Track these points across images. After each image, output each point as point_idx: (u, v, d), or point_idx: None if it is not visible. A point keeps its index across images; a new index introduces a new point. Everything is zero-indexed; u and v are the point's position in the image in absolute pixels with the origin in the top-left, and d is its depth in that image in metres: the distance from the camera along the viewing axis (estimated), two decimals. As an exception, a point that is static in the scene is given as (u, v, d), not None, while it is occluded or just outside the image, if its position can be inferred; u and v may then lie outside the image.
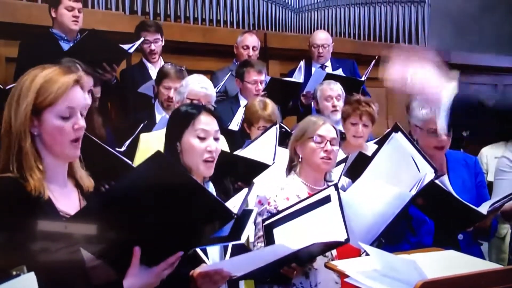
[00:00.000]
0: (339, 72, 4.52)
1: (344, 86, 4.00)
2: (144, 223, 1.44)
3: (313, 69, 4.56)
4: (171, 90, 3.31)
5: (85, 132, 2.33)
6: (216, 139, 2.06)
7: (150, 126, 3.20)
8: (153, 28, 3.98)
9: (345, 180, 2.70)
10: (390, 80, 1.69)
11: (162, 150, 2.11)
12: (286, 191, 2.38)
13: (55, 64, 1.64)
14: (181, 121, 2.08)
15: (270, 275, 2.14)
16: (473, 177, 2.70)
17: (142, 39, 3.85)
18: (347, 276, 1.70)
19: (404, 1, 6.53)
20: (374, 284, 1.61)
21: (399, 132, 2.31)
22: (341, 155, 2.94)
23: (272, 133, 3.03)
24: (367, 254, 2.07)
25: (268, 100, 3.33)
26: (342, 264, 1.85)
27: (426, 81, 1.64)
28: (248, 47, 4.43)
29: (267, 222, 2.19)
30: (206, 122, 2.04)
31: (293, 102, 4.38)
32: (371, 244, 2.09)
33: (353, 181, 2.43)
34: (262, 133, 3.08)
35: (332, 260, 2.24)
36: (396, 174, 2.24)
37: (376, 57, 4.67)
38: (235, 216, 1.58)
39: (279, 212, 2.23)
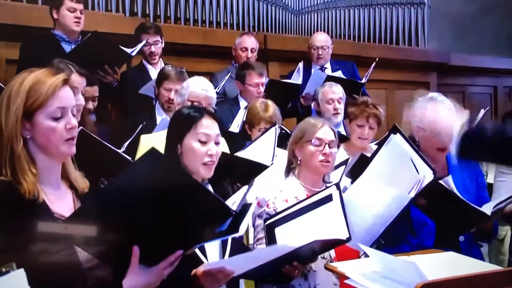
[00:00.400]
0: (339, 74, 4.52)
1: (344, 88, 4.00)
2: (142, 222, 1.43)
3: (313, 70, 4.56)
4: (172, 92, 3.32)
5: (84, 129, 2.34)
6: (217, 143, 2.07)
7: (150, 127, 3.20)
8: (153, 30, 3.98)
9: (347, 181, 2.70)
10: (411, 120, 1.91)
11: (162, 151, 2.12)
12: (285, 193, 2.38)
13: (48, 65, 1.65)
14: (183, 123, 2.08)
15: (272, 274, 2.14)
16: (474, 178, 2.70)
17: (144, 41, 3.85)
18: (347, 278, 1.71)
19: (404, 2, 6.54)
20: (374, 285, 1.61)
21: (398, 134, 2.31)
22: (343, 156, 2.94)
23: (271, 134, 3.03)
24: (366, 255, 2.07)
25: (269, 102, 3.33)
26: (342, 266, 1.86)
27: (441, 120, 1.86)
28: (246, 49, 4.43)
29: (268, 221, 2.19)
30: (208, 126, 2.05)
31: (292, 103, 4.38)
32: (371, 246, 2.10)
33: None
34: (261, 135, 3.09)
35: (330, 261, 2.24)
36: (395, 176, 2.24)
37: (377, 59, 4.69)
38: (234, 213, 1.58)
39: (280, 211, 2.23)
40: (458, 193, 2.40)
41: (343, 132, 3.76)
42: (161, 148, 2.13)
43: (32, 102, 1.50)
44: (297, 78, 4.36)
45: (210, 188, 2.16)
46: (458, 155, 1.78)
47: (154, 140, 2.75)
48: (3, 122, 1.50)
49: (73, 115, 1.56)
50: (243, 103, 3.90)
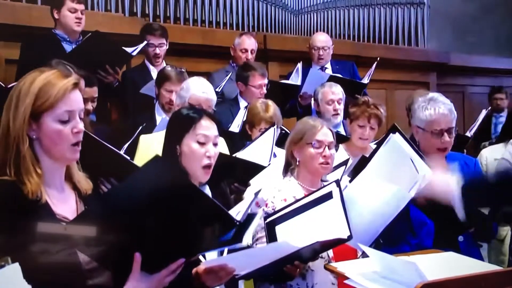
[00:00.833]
0: (339, 75, 4.52)
1: (346, 88, 4.00)
2: (144, 228, 1.43)
3: (310, 70, 4.53)
4: (173, 93, 3.31)
5: (85, 131, 2.33)
6: (215, 144, 2.07)
7: (150, 127, 3.20)
8: (159, 32, 3.97)
9: (346, 180, 2.70)
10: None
11: (161, 152, 2.12)
12: (283, 193, 2.38)
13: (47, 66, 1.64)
14: (182, 124, 2.08)
15: (273, 274, 2.14)
16: (473, 178, 2.71)
17: (145, 42, 3.84)
18: (347, 278, 1.71)
19: (403, 2, 6.54)
20: (374, 286, 1.61)
21: (397, 133, 2.31)
22: (343, 156, 2.94)
23: (270, 135, 3.03)
24: (364, 255, 2.07)
25: (270, 102, 3.33)
26: (342, 266, 1.85)
27: (435, 185, 1.80)
28: (246, 50, 4.41)
29: (269, 219, 2.19)
30: (207, 127, 2.05)
31: (290, 103, 4.37)
32: (370, 245, 2.10)
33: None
34: (260, 135, 3.09)
35: (328, 261, 2.24)
36: (394, 175, 2.24)
37: (378, 58, 4.69)
38: (238, 223, 1.57)
39: (280, 209, 2.23)
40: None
41: (343, 132, 3.77)
42: (160, 149, 2.14)
43: (40, 104, 1.49)
44: (295, 79, 4.35)
45: (207, 189, 2.16)
46: (463, 210, 1.75)
47: (154, 141, 2.75)
48: (11, 121, 1.50)
49: (80, 118, 1.56)
50: (243, 103, 3.90)
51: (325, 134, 2.41)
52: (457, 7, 7.39)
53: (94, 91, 3.09)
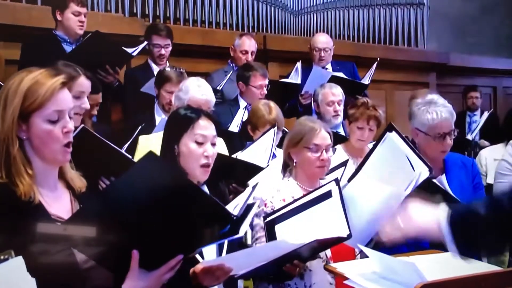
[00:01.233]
0: (341, 75, 4.51)
1: (347, 89, 4.00)
2: (140, 225, 1.42)
3: (313, 68, 4.53)
4: (173, 94, 3.31)
5: (86, 127, 2.34)
6: (213, 144, 2.07)
7: (150, 128, 3.20)
8: (165, 33, 3.99)
9: (343, 180, 2.70)
10: (387, 234, 1.67)
11: (159, 152, 2.12)
12: (282, 193, 2.39)
13: (53, 67, 1.63)
14: (180, 124, 2.08)
15: (272, 273, 2.15)
16: (470, 178, 2.71)
17: (145, 43, 3.86)
18: (346, 279, 1.71)
19: (403, 3, 6.54)
20: (373, 286, 1.61)
21: (393, 132, 2.31)
22: (342, 157, 2.94)
23: (269, 136, 3.03)
24: (363, 254, 2.07)
25: (272, 104, 3.33)
26: (341, 267, 1.85)
27: (419, 223, 1.58)
28: (247, 52, 4.41)
29: (268, 218, 2.19)
30: (205, 127, 2.05)
31: (291, 103, 4.37)
32: (367, 244, 2.10)
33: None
34: (259, 137, 3.09)
35: (326, 261, 2.25)
36: (391, 173, 2.24)
37: (378, 59, 4.69)
38: (235, 218, 1.57)
39: (279, 208, 2.23)
40: (451, 192, 2.40)
41: (343, 133, 3.77)
42: (159, 149, 2.14)
43: (29, 104, 1.48)
44: (295, 78, 4.35)
45: (206, 189, 2.16)
46: (459, 249, 1.52)
47: (153, 141, 2.75)
48: None
49: (70, 118, 1.54)
50: (243, 104, 3.90)
51: (323, 138, 2.41)
52: (456, 7, 7.39)
53: (99, 97, 3.10)
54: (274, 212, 2.23)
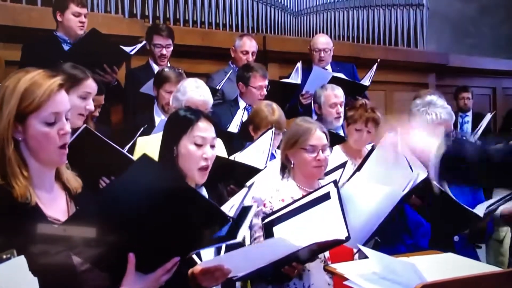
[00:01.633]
0: (342, 76, 4.52)
1: (347, 90, 4.00)
2: (136, 228, 1.41)
3: (313, 68, 4.53)
4: (171, 95, 3.31)
5: (88, 127, 2.34)
6: (212, 146, 2.07)
7: (149, 128, 3.20)
8: (166, 33, 4.00)
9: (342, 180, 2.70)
10: (385, 146, 1.78)
11: (157, 153, 2.11)
12: (281, 193, 2.39)
13: (59, 69, 1.61)
14: (179, 125, 2.08)
15: (270, 274, 2.15)
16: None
17: (144, 42, 3.86)
18: (346, 279, 1.71)
19: (402, 4, 6.55)
20: (373, 287, 1.61)
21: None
22: (341, 158, 2.94)
23: (267, 138, 3.03)
24: (361, 255, 2.08)
25: (274, 105, 3.33)
26: (341, 267, 1.86)
27: (416, 143, 1.71)
28: (247, 52, 4.42)
29: (266, 220, 2.20)
30: (204, 129, 2.05)
31: (292, 103, 4.38)
32: (365, 243, 2.11)
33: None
34: (258, 137, 3.08)
35: (325, 261, 2.26)
36: (390, 174, 2.25)
37: (378, 60, 4.69)
38: (231, 220, 1.56)
39: (278, 210, 2.23)
40: (450, 193, 2.41)
41: (342, 133, 3.77)
42: (157, 150, 2.13)
43: (26, 105, 1.46)
44: (295, 78, 4.35)
45: (204, 191, 2.16)
46: (438, 178, 1.67)
47: (151, 142, 2.75)
48: None
49: (67, 119, 1.53)
50: (242, 104, 3.91)
51: (318, 138, 2.41)
52: (456, 8, 7.40)
53: (102, 98, 3.11)
54: (272, 213, 2.23)
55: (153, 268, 1.48)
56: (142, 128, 3.06)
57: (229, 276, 1.79)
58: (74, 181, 1.64)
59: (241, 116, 3.74)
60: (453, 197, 2.39)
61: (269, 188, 2.43)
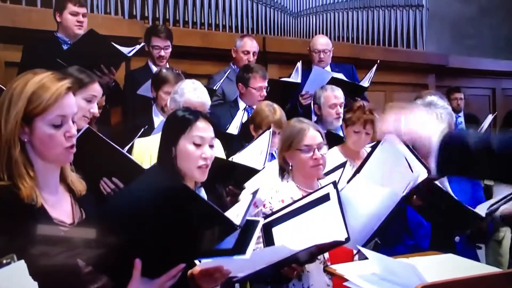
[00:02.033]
0: (341, 76, 4.52)
1: (347, 91, 4.00)
2: (143, 235, 1.42)
3: (313, 68, 4.53)
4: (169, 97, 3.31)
5: (90, 128, 2.34)
6: (211, 146, 2.07)
7: (149, 130, 3.20)
8: (164, 35, 4.00)
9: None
10: (384, 130, 1.70)
11: (156, 154, 2.11)
12: (280, 194, 2.40)
13: (66, 72, 1.61)
14: (177, 126, 2.08)
15: (270, 276, 2.15)
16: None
17: (142, 44, 3.87)
18: (346, 280, 1.71)
19: (402, 5, 6.55)
20: (373, 288, 1.61)
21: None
22: (340, 159, 2.94)
23: (265, 138, 3.03)
24: (360, 256, 2.07)
25: (275, 105, 3.34)
26: (341, 268, 1.85)
27: (417, 128, 1.63)
28: (248, 52, 4.43)
29: (265, 221, 2.19)
30: (203, 129, 2.05)
31: (291, 103, 4.38)
32: (365, 244, 2.10)
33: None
34: (256, 138, 3.08)
35: (324, 262, 2.26)
36: (390, 175, 2.25)
37: (378, 61, 4.70)
38: (238, 228, 1.56)
39: (277, 211, 2.23)
40: (452, 193, 2.40)
41: (342, 134, 3.76)
42: (155, 151, 2.13)
43: (33, 108, 1.47)
44: (295, 78, 4.35)
45: (203, 192, 2.16)
46: (438, 168, 1.58)
47: (148, 143, 2.76)
48: (2, 125, 1.48)
49: (73, 122, 1.54)
50: (242, 105, 3.91)
51: (312, 137, 2.42)
52: (455, 9, 7.41)
53: (103, 100, 3.11)
54: (271, 214, 2.23)
55: (158, 273, 1.49)
56: (142, 129, 3.06)
57: (229, 277, 1.79)
58: (79, 184, 1.65)
59: (241, 117, 3.74)
60: (454, 196, 2.39)
61: (269, 189, 2.43)
